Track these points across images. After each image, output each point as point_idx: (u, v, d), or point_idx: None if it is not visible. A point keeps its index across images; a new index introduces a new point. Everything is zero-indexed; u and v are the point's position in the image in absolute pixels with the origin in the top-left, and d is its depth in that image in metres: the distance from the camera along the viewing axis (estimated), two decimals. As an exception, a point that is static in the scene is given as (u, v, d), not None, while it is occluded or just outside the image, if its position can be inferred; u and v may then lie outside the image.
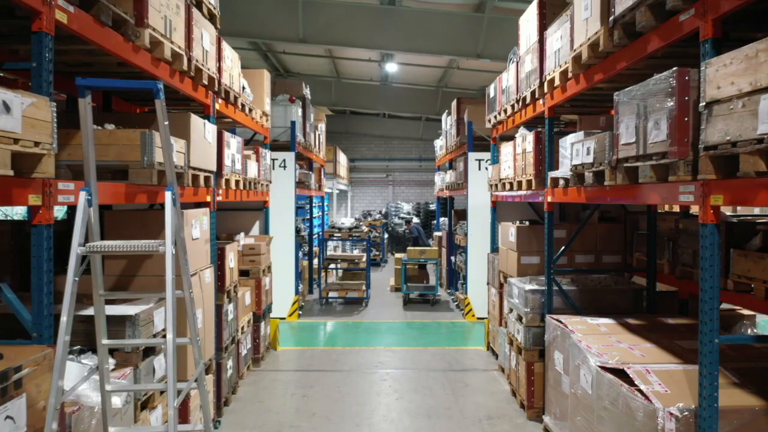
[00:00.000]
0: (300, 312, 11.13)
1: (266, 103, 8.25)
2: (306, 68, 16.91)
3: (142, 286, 4.69)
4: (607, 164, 4.14)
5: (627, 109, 3.88)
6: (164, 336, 3.78)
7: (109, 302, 3.76)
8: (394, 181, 26.66)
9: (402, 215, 23.49)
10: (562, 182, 5.33)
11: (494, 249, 8.72)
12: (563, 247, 6.12)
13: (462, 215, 13.46)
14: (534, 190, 6.13)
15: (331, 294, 12.18)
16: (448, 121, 13.49)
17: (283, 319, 10.70)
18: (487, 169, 10.77)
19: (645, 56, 3.82)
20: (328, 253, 14.77)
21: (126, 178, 3.91)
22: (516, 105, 6.91)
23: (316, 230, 17.16)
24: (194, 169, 5.04)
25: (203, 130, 5.26)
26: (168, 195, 3.39)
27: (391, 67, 16.06)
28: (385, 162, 26.43)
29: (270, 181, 8.60)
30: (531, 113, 6.46)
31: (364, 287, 12.32)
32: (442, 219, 16.03)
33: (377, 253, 19.33)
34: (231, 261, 6.39)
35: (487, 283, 8.63)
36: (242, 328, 7.08)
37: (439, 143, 15.62)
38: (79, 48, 3.84)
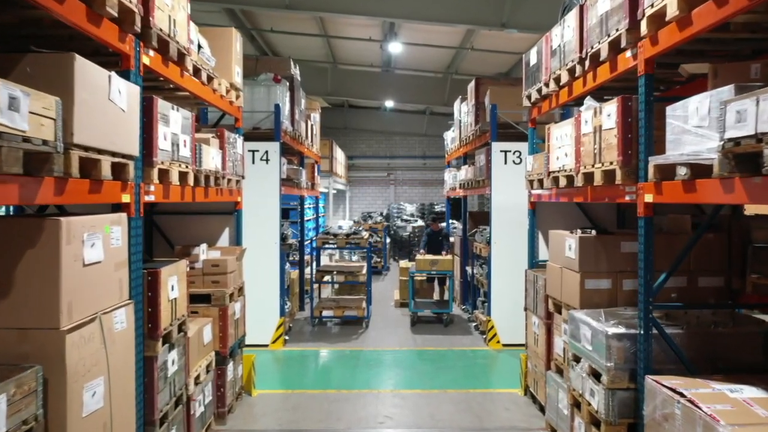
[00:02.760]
0: (286, 337, 9.13)
1: (235, 73, 6.26)
2: (298, 51, 14.91)
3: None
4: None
5: None
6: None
7: None
8: (396, 180, 24.68)
9: (405, 217, 21.49)
10: (683, 171, 3.33)
11: (533, 264, 6.74)
12: (664, 274, 4.11)
13: (480, 219, 11.47)
14: (618, 185, 4.14)
15: (326, 312, 10.20)
16: (462, 109, 11.50)
17: (266, 346, 8.71)
18: (516, 162, 8.79)
19: None
20: (323, 262, 12.78)
21: None
22: (578, 68, 4.93)
23: (310, 235, 15.17)
24: (87, 148, 3.06)
25: (107, 88, 3.27)
26: None
27: (395, 48, 14.06)
28: (386, 159, 24.45)
29: (242, 177, 6.62)
30: (605, 75, 4.48)
31: (364, 304, 10.33)
32: (453, 223, 14.03)
33: (378, 259, 17.34)
34: (172, 290, 4.39)
35: (525, 309, 6.65)
36: (196, 378, 5.08)
37: (450, 135, 13.63)
38: None
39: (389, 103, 21.00)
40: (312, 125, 12.51)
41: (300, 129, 10.47)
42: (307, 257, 12.32)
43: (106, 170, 3.27)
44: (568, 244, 5.15)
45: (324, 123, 19.41)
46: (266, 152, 8.81)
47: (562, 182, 5.22)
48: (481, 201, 22.63)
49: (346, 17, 11.54)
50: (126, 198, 3.66)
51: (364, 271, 10.51)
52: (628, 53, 4.06)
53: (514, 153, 8.85)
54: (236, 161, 6.30)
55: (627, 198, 4.07)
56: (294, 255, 12.53)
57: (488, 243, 9.10)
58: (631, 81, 5.02)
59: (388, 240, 18.85)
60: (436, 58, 15.52)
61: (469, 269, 11.25)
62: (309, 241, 13.57)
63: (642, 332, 3.88)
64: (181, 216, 6.77)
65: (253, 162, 8.78)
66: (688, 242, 4.13)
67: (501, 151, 8.86)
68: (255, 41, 14.40)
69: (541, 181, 5.98)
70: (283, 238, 9.12)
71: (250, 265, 8.00)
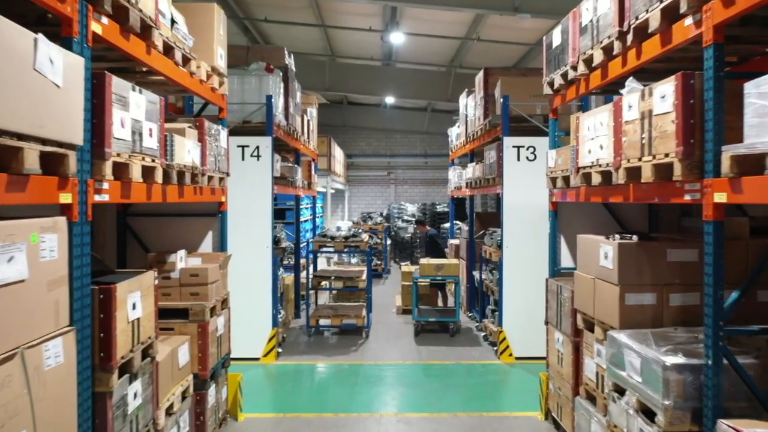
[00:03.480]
0: (279, 349, 8.38)
1: (218, 55, 5.50)
2: (295, 43, 14.14)
3: None
4: None
5: None
6: None
7: None
8: (396, 179, 23.94)
9: (406, 217, 20.74)
10: (778, 163, 2.58)
11: (555, 272, 5.99)
12: (737, 292, 3.36)
13: (487, 220, 10.73)
14: (675, 181, 3.39)
15: (323, 321, 9.44)
16: (468, 103, 10.76)
17: (256, 360, 7.97)
18: (530, 158, 8.07)
19: None
20: (320, 266, 12.05)
21: None
22: (616, 44, 4.18)
23: (306, 237, 14.43)
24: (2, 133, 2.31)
25: (32, 54, 2.52)
26: None
27: (397, 39, 13.30)
28: (386, 158, 23.71)
29: (227, 174, 5.87)
30: (653, 51, 3.73)
31: (364, 312, 9.58)
32: (457, 224, 13.29)
33: (378, 262, 16.59)
34: (134, 308, 3.64)
35: (546, 323, 5.90)
36: (168, 409, 4.33)
37: (454, 131, 12.88)
38: None
39: (390, 100, 20.26)
40: (308, 120, 11.77)
41: (295, 123, 9.73)
42: (303, 261, 11.58)
43: (31, 161, 2.52)
44: (603, 251, 4.40)
45: (322, 120, 18.67)
46: (257, 148, 8.06)
47: (595, 179, 4.47)
48: (484, 201, 21.90)
49: (344, 2, 10.78)
50: (66, 198, 2.91)
51: (364, 276, 9.76)
52: (689, 20, 3.31)
53: (527, 149, 8.10)
54: (220, 156, 5.54)
55: (687, 197, 3.32)
56: (289, 259, 11.78)
57: (499, 247, 8.37)
58: (678, 61, 4.31)
59: (388, 242, 18.11)
60: (439, 50, 14.77)
61: (476, 274, 10.51)
62: (305, 244, 12.82)
63: (710, 363, 3.13)
64: (159, 218, 6.02)
65: (243, 158, 8.04)
66: (756, 250, 3.37)
67: (513, 146, 8.11)
68: (249, 32, 13.65)
69: (566, 179, 5.23)
70: (276, 242, 8.38)
71: (240, 272, 7.29)
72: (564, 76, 5.34)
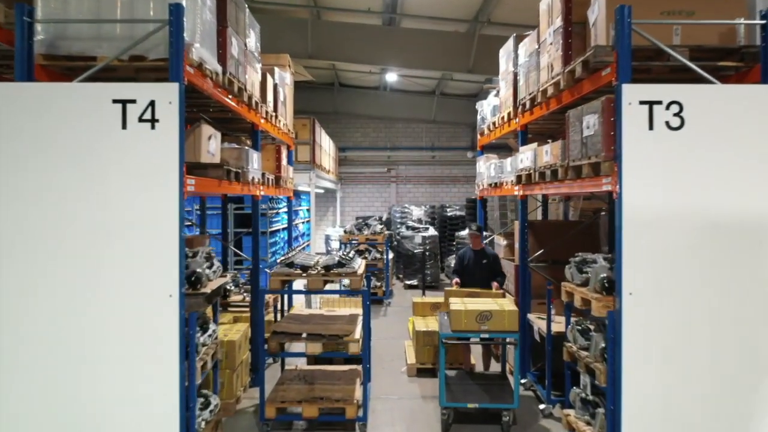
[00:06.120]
0: (201, 483, 4.51)
1: None
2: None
3: None
4: None
5: None
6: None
7: None
8: (398, 176, 20.09)
9: (411, 223, 16.83)
10: None
11: None
12: None
13: (545, 235, 6.98)
14: None
15: (290, 408, 5.61)
16: (521, 52, 6.97)
17: None
18: (675, 125, 4.27)
19: None
20: (293, 305, 8.24)
21: None
22: None
23: (277, 256, 10.57)
24: None
25: None
26: None
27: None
28: (386, 151, 19.86)
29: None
30: None
31: (357, 387, 5.74)
32: (498, 238, 9.44)
33: (378, 284, 12.72)
34: None
35: None
36: None
37: (487, 105, 9.04)
38: None
39: (391, 78, 16.42)
40: (276, 86, 7.93)
41: (244, 78, 5.88)
42: (270, 298, 7.68)
43: None
44: None
45: (308, 106, 14.86)
46: (151, 105, 4.18)
47: None
48: (503, 203, 18.03)
49: None
50: None
51: (358, 330, 5.88)
52: None
53: (667, 106, 4.25)
54: None
55: None
56: (245, 292, 7.88)
57: (605, 290, 4.56)
58: None
59: (390, 255, 14.23)
60: (459, 0, 10.89)
61: (533, 320, 6.67)
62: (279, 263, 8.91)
63: None
64: None
65: (124, 125, 4.17)
66: None
67: (641, 101, 4.26)
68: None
69: None
70: (194, 281, 4.50)
71: (105, 352, 3.45)
72: None
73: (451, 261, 13.05)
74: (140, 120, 4.17)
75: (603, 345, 4.64)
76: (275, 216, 13.26)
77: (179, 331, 4.15)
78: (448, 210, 18.45)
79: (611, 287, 4.54)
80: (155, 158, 4.17)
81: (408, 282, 14.98)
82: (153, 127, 4.17)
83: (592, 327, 5.02)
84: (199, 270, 4.55)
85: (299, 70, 13.69)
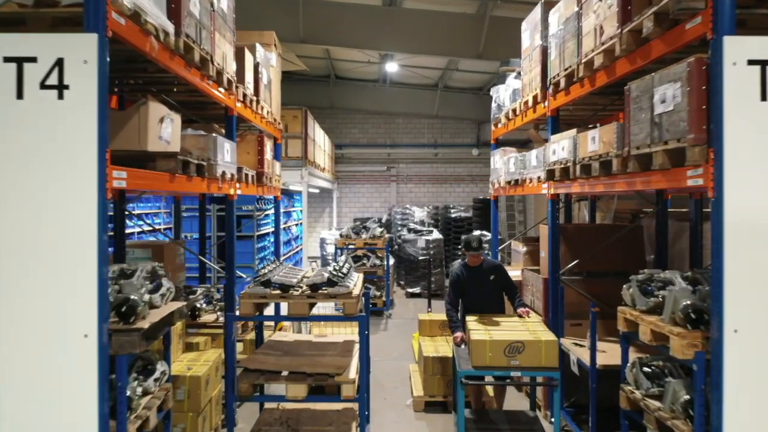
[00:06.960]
0: None
1: None
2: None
3: None
4: None
5: None
6: None
7: None
8: (398, 175, 18.85)
9: (413, 225, 15.61)
10: None
11: None
12: None
13: (578, 242, 5.75)
14: None
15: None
16: (552, 20, 5.75)
17: None
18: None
19: None
20: (273, 333, 7.05)
21: None
22: None
23: (266, 262, 9.34)
24: None
25: None
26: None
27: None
28: (385, 149, 18.63)
29: None
30: None
31: (354, 440, 4.51)
32: (516, 245, 8.21)
33: (378, 293, 11.49)
34: None
35: None
36: None
37: (508, 86, 7.81)
38: None
39: (391, 68, 15.18)
40: (259, 67, 6.69)
41: (210, 47, 4.65)
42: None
43: None
44: None
45: (303, 101, 13.64)
46: (58, 65, 2.94)
47: None
48: (510, 203, 16.81)
49: None
50: None
51: (353, 367, 4.63)
52: None
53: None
54: None
55: None
56: (220, 310, 6.63)
57: (690, 322, 3.34)
58: None
59: (391, 260, 13.00)
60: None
61: (567, 345, 5.41)
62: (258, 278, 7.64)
63: None
64: None
65: (20, 94, 2.93)
66: None
67: (752, 61, 3.04)
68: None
69: None
70: (128, 312, 3.26)
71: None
72: None
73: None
74: (43, 86, 2.95)
75: (687, 397, 3.41)
76: (265, 218, 12.02)
77: (98, 385, 2.92)
78: (452, 211, 17.25)
79: (700, 320, 3.31)
80: (64, 140, 2.94)
81: (410, 290, 13.75)
82: (61, 96, 2.95)
83: (665, 369, 3.78)
84: (134, 297, 3.31)
85: (291, 58, 12.47)
